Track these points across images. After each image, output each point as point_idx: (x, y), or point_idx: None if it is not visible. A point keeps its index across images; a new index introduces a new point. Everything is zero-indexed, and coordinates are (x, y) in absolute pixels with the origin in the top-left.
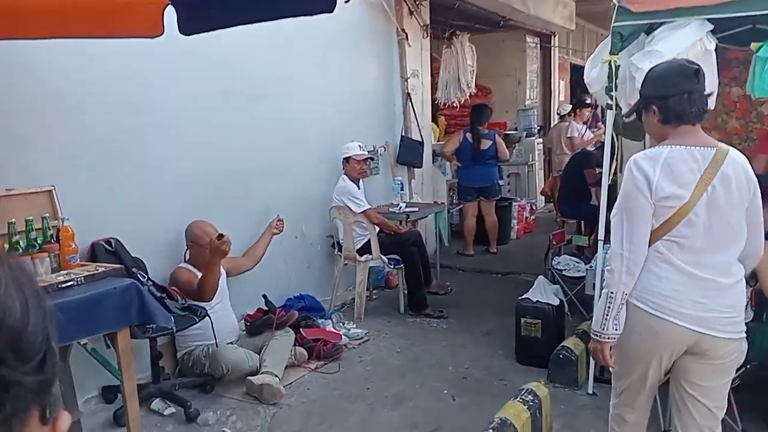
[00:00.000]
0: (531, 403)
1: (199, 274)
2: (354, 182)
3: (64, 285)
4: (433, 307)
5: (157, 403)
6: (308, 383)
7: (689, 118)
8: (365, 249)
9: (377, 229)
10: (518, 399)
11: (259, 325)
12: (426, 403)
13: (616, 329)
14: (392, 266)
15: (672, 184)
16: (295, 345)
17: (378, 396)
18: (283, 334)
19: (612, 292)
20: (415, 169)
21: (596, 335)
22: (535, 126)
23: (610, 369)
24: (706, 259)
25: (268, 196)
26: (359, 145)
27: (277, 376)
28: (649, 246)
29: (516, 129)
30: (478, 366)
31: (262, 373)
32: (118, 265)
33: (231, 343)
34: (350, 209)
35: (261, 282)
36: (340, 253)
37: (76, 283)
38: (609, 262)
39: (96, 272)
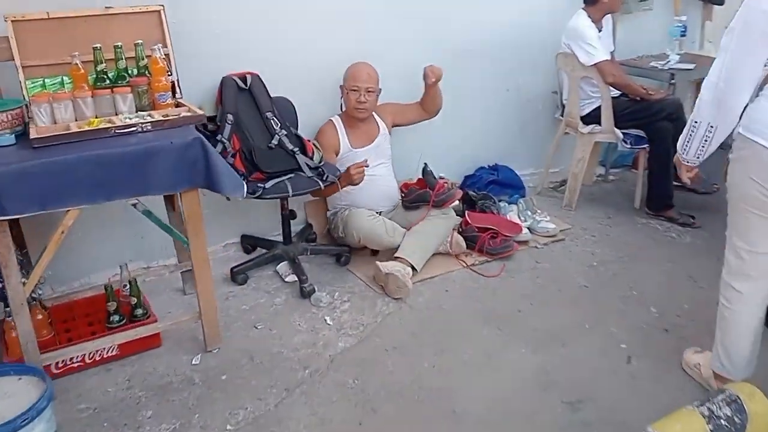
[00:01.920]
0: (723, 426)
1: (344, 135)
2: (596, 22)
3: (122, 131)
4: (682, 209)
5: (282, 267)
6: (451, 283)
7: None
8: (594, 116)
9: (614, 91)
10: (704, 407)
11: (413, 198)
12: (584, 356)
13: (698, 158)
14: (629, 144)
15: None
16: (456, 230)
17: (525, 326)
18: (440, 215)
19: (696, 121)
20: (715, 7)
21: (680, 154)
22: None
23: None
24: None
25: (465, 35)
26: None
27: (412, 265)
28: None
29: None
30: (701, 314)
31: (396, 258)
32: (200, 113)
33: (379, 213)
34: (578, 59)
35: (450, 143)
36: (562, 116)
37: (140, 130)
38: (702, 89)
39: (168, 118)
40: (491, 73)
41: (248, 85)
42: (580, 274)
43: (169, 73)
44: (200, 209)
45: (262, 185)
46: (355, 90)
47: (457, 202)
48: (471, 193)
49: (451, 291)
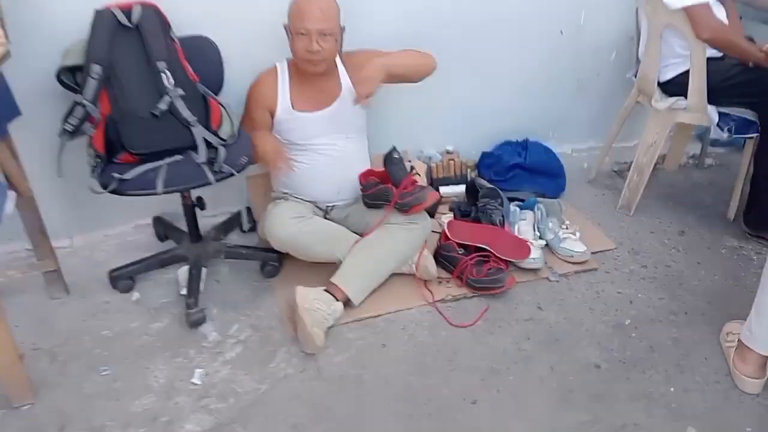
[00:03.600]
0: None
1: (285, 90)
2: None
3: None
4: None
5: (182, 274)
6: (397, 332)
7: None
8: (680, 84)
9: (710, 51)
10: None
11: (373, 195)
12: None
13: None
14: (728, 132)
15: None
16: (431, 246)
17: (490, 410)
18: (404, 224)
19: None
20: None
21: None
22: None
23: None
24: None
25: None
26: None
27: (346, 299)
28: None
29: None
30: None
31: (329, 283)
32: None
33: (331, 208)
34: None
35: (470, 105)
36: (636, 76)
37: None
38: None
39: None
40: (539, 7)
41: (134, 21)
42: (596, 340)
43: None
44: None
45: (120, 174)
46: (302, 34)
47: (461, 190)
48: (479, 182)
49: (390, 346)
